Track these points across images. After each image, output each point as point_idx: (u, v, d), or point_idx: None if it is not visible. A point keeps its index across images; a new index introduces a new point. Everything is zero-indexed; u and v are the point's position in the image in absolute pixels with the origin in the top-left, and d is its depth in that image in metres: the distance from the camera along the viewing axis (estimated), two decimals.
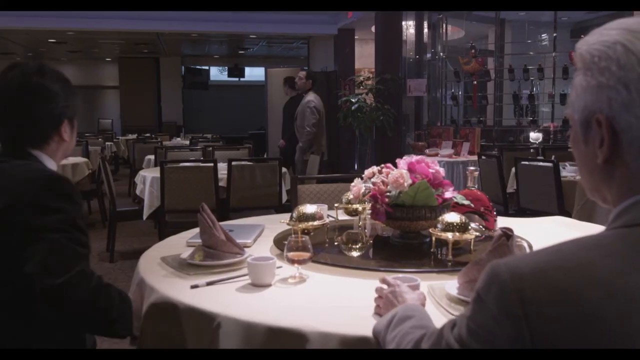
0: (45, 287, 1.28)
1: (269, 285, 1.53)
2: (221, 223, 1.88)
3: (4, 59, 17.48)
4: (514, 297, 0.67)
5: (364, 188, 1.99)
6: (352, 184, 2.06)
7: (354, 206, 2.07)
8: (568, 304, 0.65)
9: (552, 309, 0.66)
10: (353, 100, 7.97)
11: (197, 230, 2.00)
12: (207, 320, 1.34)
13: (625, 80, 0.71)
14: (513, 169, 4.68)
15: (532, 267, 0.69)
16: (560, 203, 4.06)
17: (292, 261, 1.59)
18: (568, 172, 4.38)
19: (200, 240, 1.78)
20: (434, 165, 1.92)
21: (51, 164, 1.52)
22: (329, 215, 2.12)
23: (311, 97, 6.62)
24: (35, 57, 17.40)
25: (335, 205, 2.19)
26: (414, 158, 1.93)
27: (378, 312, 1.29)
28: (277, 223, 2.18)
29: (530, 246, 1.74)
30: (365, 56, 10.78)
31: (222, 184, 4.50)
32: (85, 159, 6.28)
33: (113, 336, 1.47)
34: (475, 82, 8.13)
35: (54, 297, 1.30)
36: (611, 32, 0.75)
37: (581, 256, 0.69)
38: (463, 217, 1.77)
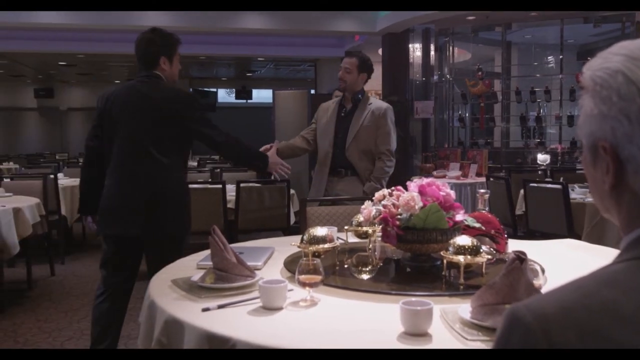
0: (222, 141, 2.77)
1: (280, 309, 1.53)
2: (231, 245, 1.88)
3: (15, 80, 17.68)
4: (541, 340, 0.64)
5: (374, 211, 1.99)
6: (363, 206, 2.06)
7: (365, 229, 2.07)
8: (597, 344, 0.63)
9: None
10: None
11: (207, 252, 2.00)
12: (219, 344, 1.34)
13: (627, 111, 0.70)
14: (522, 191, 4.66)
15: (556, 307, 0.66)
16: (570, 225, 4.04)
17: (303, 284, 1.58)
18: (577, 194, 4.36)
19: (211, 263, 1.78)
20: (444, 187, 1.92)
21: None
22: (338, 238, 2.12)
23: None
24: (45, 79, 17.63)
25: (345, 227, 2.19)
26: (425, 180, 1.93)
27: None
28: (286, 245, 2.18)
29: (542, 270, 1.72)
30: (372, 78, 10.74)
31: (230, 205, 4.51)
32: None
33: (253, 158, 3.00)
34: (482, 104, 8.15)
35: (228, 144, 2.80)
36: (614, 57, 0.73)
37: (603, 294, 0.66)
38: (474, 240, 1.76)
